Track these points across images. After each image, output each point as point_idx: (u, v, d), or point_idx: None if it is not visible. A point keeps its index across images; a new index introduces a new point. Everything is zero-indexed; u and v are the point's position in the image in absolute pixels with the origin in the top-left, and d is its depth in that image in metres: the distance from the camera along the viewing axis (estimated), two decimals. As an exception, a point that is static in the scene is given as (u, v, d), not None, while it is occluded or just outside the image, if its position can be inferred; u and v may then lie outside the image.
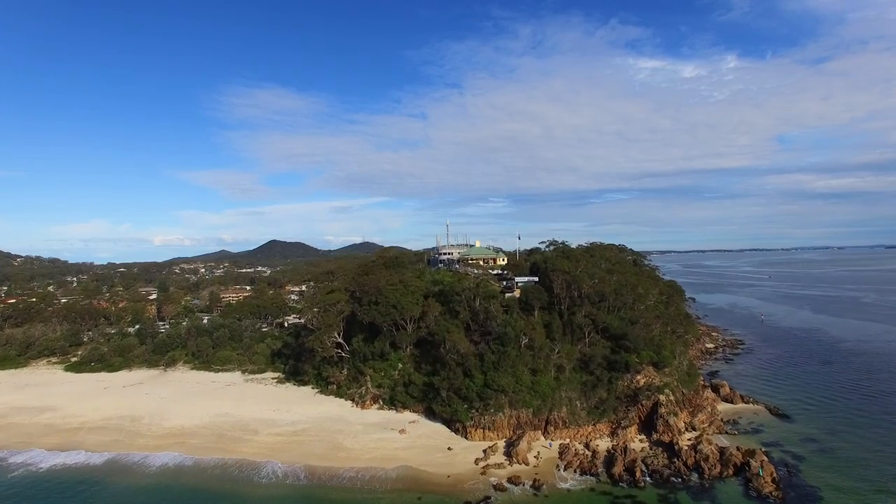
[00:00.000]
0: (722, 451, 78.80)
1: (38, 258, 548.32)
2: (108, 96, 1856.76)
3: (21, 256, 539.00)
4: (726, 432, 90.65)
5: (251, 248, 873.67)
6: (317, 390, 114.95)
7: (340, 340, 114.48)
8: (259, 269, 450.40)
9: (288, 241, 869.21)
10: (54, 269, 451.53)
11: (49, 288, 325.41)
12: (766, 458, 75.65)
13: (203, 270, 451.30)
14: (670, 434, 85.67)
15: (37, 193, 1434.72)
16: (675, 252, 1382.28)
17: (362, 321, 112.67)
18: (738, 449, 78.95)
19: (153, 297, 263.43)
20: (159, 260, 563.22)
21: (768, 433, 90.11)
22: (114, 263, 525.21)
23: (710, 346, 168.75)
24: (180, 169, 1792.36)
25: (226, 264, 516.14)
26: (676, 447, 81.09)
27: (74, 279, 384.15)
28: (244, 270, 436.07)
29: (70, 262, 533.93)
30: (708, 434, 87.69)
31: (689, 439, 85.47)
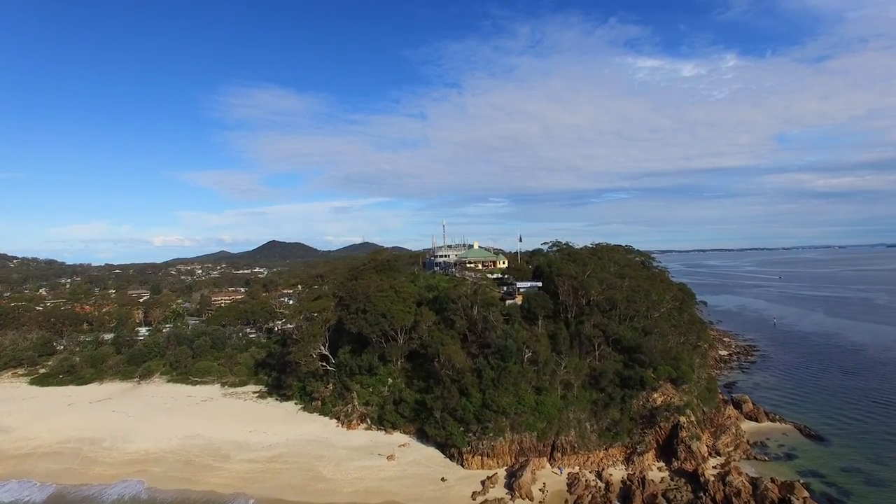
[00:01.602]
0: (755, 483, 68.83)
1: (34, 260, 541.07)
2: (108, 97, 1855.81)
3: (17, 258, 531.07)
4: (755, 458, 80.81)
5: (251, 248, 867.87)
6: (300, 406, 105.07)
7: (326, 352, 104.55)
8: (256, 270, 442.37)
9: (287, 241, 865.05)
10: (49, 271, 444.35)
11: (41, 290, 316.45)
12: (807, 494, 65.68)
13: (200, 272, 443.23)
14: (693, 462, 75.66)
15: (37, 194, 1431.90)
16: (675, 251, 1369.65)
17: (350, 331, 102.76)
18: (772, 481, 68.98)
19: (144, 299, 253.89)
20: (158, 261, 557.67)
21: (803, 459, 79.96)
22: (111, 265, 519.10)
23: (723, 353, 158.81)
24: (180, 170, 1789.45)
25: (223, 265, 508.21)
26: (702, 478, 71.04)
27: (68, 281, 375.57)
28: (241, 272, 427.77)
29: (67, 263, 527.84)
30: (735, 460, 77.95)
31: (715, 467, 75.54)
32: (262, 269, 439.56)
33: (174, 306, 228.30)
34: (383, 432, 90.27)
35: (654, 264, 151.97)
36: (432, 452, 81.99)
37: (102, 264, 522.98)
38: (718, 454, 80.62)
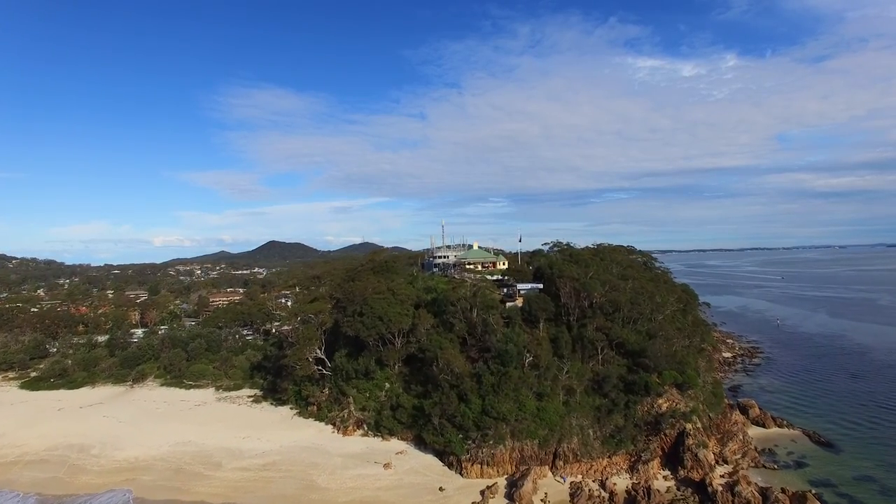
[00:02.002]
0: (765, 494, 66.30)
1: (33, 260, 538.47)
2: (108, 97, 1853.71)
3: (17, 258, 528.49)
4: (763, 466, 78.21)
5: (251, 248, 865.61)
6: (295, 411, 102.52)
7: (322, 356, 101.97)
8: (256, 270, 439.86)
9: (287, 241, 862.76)
10: (48, 272, 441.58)
11: (39, 291, 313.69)
12: (820, 506, 63.18)
13: (199, 272, 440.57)
14: (700, 470, 73.15)
15: (37, 194, 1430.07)
16: (676, 251, 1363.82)
17: (347, 334, 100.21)
18: (783, 491, 66.50)
19: (142, 300, 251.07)
20: (158, 261, 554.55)
21: (814, 468, 77.34)
22: (110, 265, 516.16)
23: (727, 355, 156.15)
24: (180, 170, 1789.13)
25: (223, 266, 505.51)
26: (710, 488, 68.46)
27: (66, 282, 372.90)
28: (240, 272, 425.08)
29: (67, 263, 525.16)
30: (743, 469, 75.31)
31: (723, 476, 73.10)
32: (261, 270, 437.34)
33: (171, 307, 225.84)
34: (380, 439, 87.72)
35: (657, 265, 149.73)
36: (430, 460, 79.45)
37: (102, 265, 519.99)
38: (726, 462, 78.08)
